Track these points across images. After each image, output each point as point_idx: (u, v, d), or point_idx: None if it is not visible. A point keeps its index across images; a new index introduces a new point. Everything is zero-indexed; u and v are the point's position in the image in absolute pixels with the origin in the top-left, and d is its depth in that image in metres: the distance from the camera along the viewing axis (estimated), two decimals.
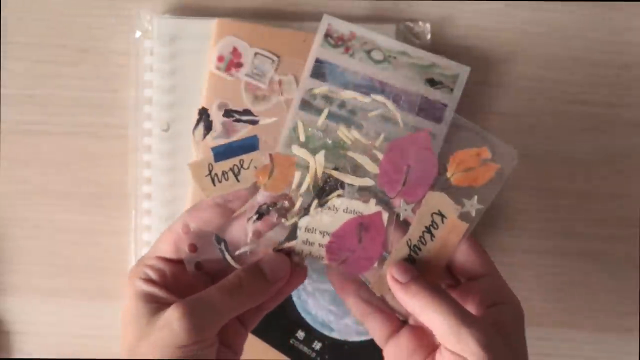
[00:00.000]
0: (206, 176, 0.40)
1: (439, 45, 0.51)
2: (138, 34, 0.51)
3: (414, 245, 0.39)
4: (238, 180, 0.40)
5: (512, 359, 0.35)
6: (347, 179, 0.40)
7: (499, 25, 0.52)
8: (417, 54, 0.49)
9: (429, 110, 0.49)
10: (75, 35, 0.52)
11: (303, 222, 0.39)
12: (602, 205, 0.52)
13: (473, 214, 0.39)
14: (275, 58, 0.50)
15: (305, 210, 0.40)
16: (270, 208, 0.40)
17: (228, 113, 0.41)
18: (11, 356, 0.53)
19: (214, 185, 0.40)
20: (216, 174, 0.40)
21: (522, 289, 0.53)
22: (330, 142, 0.40)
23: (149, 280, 0.38)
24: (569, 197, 0.53)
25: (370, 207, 0.39)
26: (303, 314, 0.50)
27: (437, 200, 0.39)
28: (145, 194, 0.51)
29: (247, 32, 0.50)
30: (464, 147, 0.39)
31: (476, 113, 0.52)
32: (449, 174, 0.39)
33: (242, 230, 0.40)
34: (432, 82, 0.49)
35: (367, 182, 0.39)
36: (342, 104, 0.49)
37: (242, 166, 0.41)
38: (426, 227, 0.39)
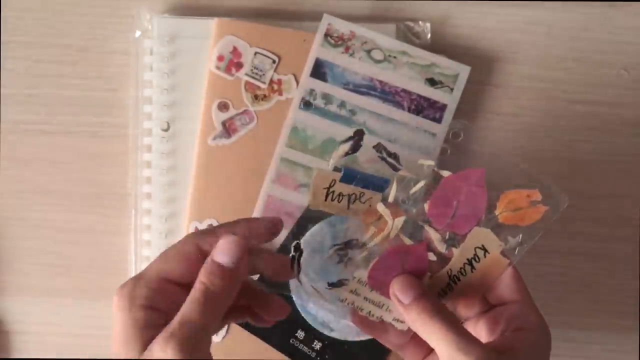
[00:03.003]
0: (324, 188, 0.41)
1: (439, 45, 0.51)
2: (138, 33, 0.51)
3: (454, 276, 0.40)
4: (348, 208, 0.41)
5: None
6: None
7: (499, 25, 0.52)
8: (417, 53, 0.49)
9: (429, 110, 0.49)
10: (76, 34, 0.52)
11: (359, 274, 0.40)
12: (602, 205, 0.52)
13: (515, 252, 0.40)
14: (275, 58, 0.50)
15: (365, 264, 0.40)
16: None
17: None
18: (11, 356, 0.53)
19: (326, 200, 0.41)
20: (333, 191, 0.41)
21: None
22: (414, 211, 0.41)
23: (149, 307, 0.35)
24: (569, 197, 0.52)
25: None
26: (303, 314, 0.50)
27: (482, 235, 0.40)
28: (145, 193, 0.51)
29: (247, 31, 0.50)
30: (515, 187, 0.40)
31: (476, 113, 0.52)
32: (497, 212, 0.40)
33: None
34: (432, 82, 0.49)
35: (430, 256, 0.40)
36: (342, 104, 0.49)
37: (359, 198, 0.41)
38: (468, 259, 0.40)
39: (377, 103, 0.49)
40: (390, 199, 0.41)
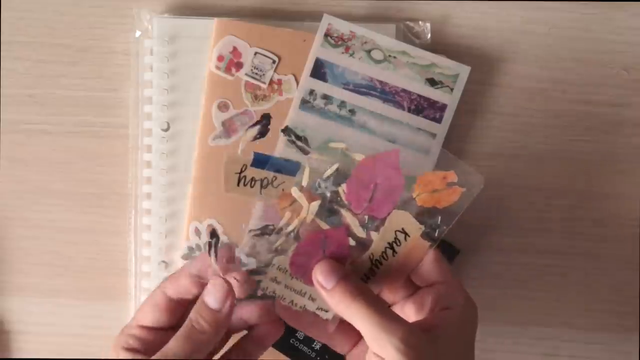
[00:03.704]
0: (236, 173, 0.41)
1: (439, 45, 0.51)
2: (138, 33, 0.51)
3: (376, 260, 0.40)
4: (261, 193, 0.41)
5: None
6: None
7: (499, 25, 0.52)
8: (417, 53, 0.49)
9: (429, 110, 0.49)
10: (76, 34, 0.52)
11: (277, 260, 0.40)
12: (602, 205, 0.52)
13: (435, 234, 0.40)
14: (275, 58, 0.50)
15: (283, 251, 0.40)
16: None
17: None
18: (11, 356, 0.53)
19: (238, 185, 0.41)
20: (245, 176, 0.41)
21: (522, 289, 0.53)
22: (328, 194, 0.41)
23: (131, 349, 0.39)
24: (569, 197, 0.53)
25: None
26: None
27: (401, 218, 0.40)
28: (145, 193, 0.51)
29: (247, 31, 0.50)
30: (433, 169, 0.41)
31: (476, 113, 0.52)
32: (414, 194, 0.40)
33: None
34: (432, 82, 0.49)
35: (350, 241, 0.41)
36: (342, 104, 0.49)
37: (272, 182, 0.41)
38: (389, 243, 0.40)
39: (377, 103, 0.49)
40: (304, 182, 0.41)
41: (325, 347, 0.50)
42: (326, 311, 0.40)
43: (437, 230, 0.40)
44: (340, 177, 0.41)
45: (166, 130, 0.51)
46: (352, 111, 0.49)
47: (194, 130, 0.50)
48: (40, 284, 0.53)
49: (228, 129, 0.50)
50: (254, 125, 0.43)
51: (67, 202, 0.52)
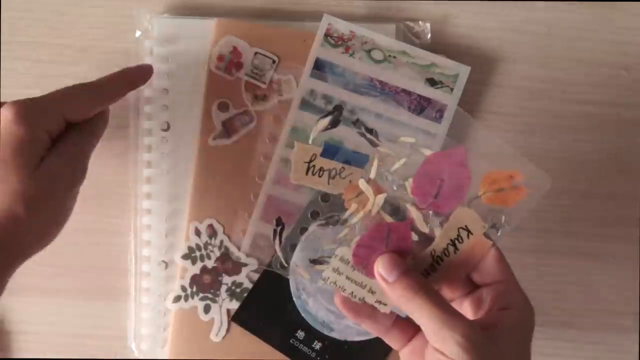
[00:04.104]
0: (305, 162, 0.41)
1: (439, 45, 0.51)
2: (138, 33, 0.51)
3: (437, 257, 0.40)
4: (329, 183, 0.41)
5: None
6: None
7: (499, 25, 0.52)
8: (417, 53, 0.49)
9: (429, 110, 0.49)
10: (76, 34, 0.52)
11: (340, 251, 0.40)
12: (602, 205, 0.52)
13: (499, 233, 0.40)
14: (275, 58, 0.50)
15: (346, 242, 0.40)
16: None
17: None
18: (12, 356, 0.53)
19: (307, 174, 0.41)
20: (314, 166, 0.41)
21: (522, 289, 0.53)
22: (395, 188, 0.41)
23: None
24: (569, 197, 0.53)
25: None
26: (303, 314, 0.50)
27: (466, 215, 0.40)
28: (146, 193, 0.51)
29: (247, 32, 0.50)
30: (499, 167, 0.40)
31: (476, 113, 0.52)
32: (480, 192, 0.40)
33: None
34: (432, 82, 0.49)
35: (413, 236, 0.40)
36: (342, 104, 0.49)
37: (339, 173, 0.42)
38: (451, 240, 0.40)
39: (377, 103, 0.49)
40: (372, 175, 0.41)
41: (325, 347, 0.50)
42: (385, 305, 0.40)
43: (500, 230, 0.40)
44: (407, 171, 0.41)
45: (166, 130, 0.51)
46: (352, 111, 0.49)
47: (194, 130, 0.50)
48: (41, 284, 0.53)
49: (228, 129, 0.50)
50: (326, 115, 0.43)
51: None
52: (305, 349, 0.50)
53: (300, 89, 0.50)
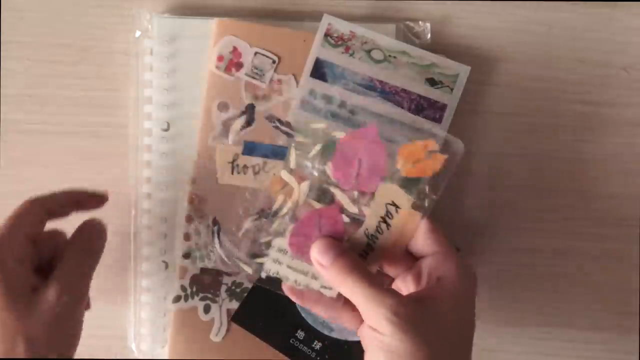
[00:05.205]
0: (228, 163, 0.42)
1: (439, 45, 0.51)
2: (138, 33, 0.51)
3: (372, 235, 0.41)
4: (255, 179, 0.42)
5: (434, 332, 0.36)
6: None
7: (499, 25, 0.52)
8: (417, 53, 0.49)
9: (429, 110, 0.49)
10: (76, 34, 0.52)
11: (277, 242, 0.41)
12: (602, 205, 0.52)
13: (425, 203, 0.41)
14: (275, 58, 0.50)
15: (281, 233, 0.42)
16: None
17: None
18: None
19: (232, 174, 0.42)
20: (238, 164, 0.43)
21: (522, 289, 0.53)
22: (316, 174, 0.41)
23: None
24: (569, 197, 0.53)
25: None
26: (303, 314, 0.50)
27: (390, 191, 0.41)
28: (145, 193, 0.51)
29: (247, 31, 0.50)
30: (411, 139, 0.42)
31: (476, 113, 0.52)
32: (399, 166, 0.41)
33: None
34: (432, 82, 0.49)
35: (344, 219, 0.41)
36: (342, 104, 0.49)
37: (263, 168, 0.43)
38: (381, 217, 0.41)
39: (377, 103, 0.49)
40: (292, 165, 0.42)
41: (325, 347, 0.50)
42: (330, 289, 0.41)
43: (426, 200, 0.41)
44: (325, 156, 0.42)
45: (166, 130, 0.51)
46: (352, 111, 0.49)
47: (194, 130, 0.50)
48: None
49: (228, 129, 0.50)
50: (240, 115, 0.44)
51: None
52: (305, 349, 0.50)
53: (300, 89, 0.50)
